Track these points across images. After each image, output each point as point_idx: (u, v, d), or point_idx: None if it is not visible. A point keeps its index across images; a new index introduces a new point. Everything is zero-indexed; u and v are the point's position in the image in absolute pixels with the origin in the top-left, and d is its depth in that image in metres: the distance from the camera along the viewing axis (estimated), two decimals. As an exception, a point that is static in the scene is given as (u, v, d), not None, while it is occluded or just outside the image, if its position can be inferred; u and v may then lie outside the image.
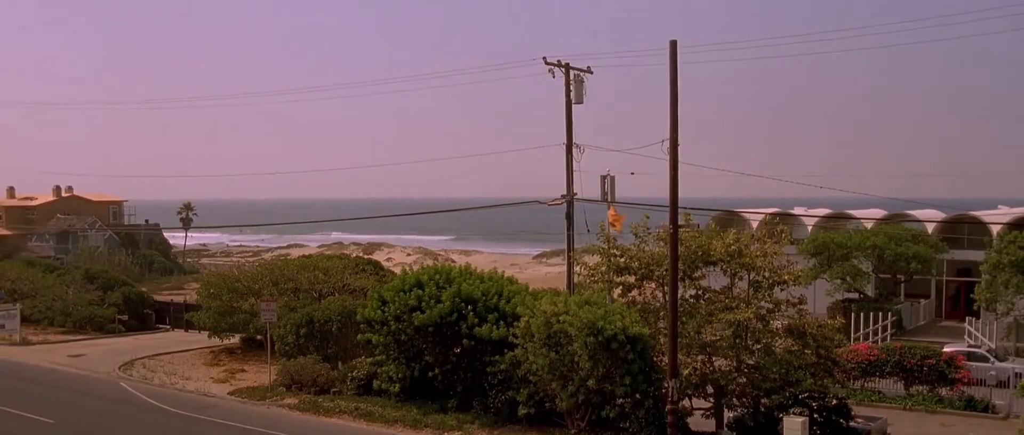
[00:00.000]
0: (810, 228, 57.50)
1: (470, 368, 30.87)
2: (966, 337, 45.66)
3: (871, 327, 47.02)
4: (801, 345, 27.34)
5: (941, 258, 54.03)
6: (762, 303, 27.38)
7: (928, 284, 56.44)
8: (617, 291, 29.51)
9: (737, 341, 27.21)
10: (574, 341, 26.45)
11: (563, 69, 40.21)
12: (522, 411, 28.52)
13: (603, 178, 40.30)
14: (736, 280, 28.20)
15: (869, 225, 55.94)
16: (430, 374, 31.61)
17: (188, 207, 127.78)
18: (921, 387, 35.53)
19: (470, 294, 30.42)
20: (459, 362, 31.07)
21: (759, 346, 27.47)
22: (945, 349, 37.98)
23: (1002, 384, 36.74)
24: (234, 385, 37.76)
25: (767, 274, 27.14)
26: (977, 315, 46.42)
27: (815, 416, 26.21)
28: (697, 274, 28.32)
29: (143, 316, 56.70)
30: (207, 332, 46.15)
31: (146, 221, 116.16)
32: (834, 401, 27.24)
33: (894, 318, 49.02)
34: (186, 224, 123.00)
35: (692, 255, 27.69)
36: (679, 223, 26.26)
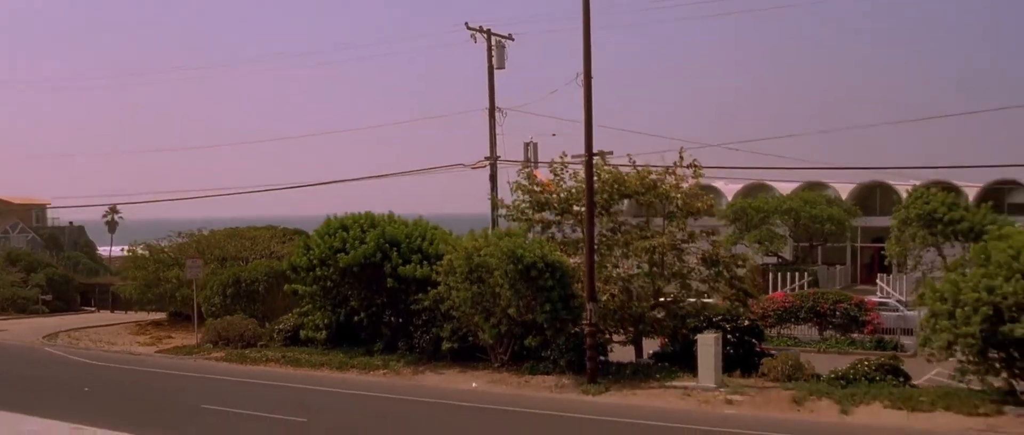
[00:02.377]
0: (730, 197, 59.03)
1: (395, 311, 31.42)
2: (878, 293, 47.29)
3: (788, 287, 48.47)
4: (714, 273, 28.41)
5: (855, 224, 55.87)
6: (677, 233, 28.39)
7: (844, 251, 58.29)
8: (537, 230, 30.29)
9: (653, 270, 28.19)
10: (495, 272, 27.14)
11: (485, 35, 41.15)
12: (446, 346, 29.12)
13: (527, 145, 41.29)
14: (651, 213, 29.19)
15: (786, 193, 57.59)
16: (356, 319, 32.06)
17: (113, 210, 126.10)
18: (834, 332, 36.89)
19: (394, 236, 31.00)
20: (384, 305, 31.59)
21: (676, 278, 28.47)
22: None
23: (909, 332, 38.31)
24: (161, 347, 37.82)
25: (680, 204, 28.15)
26: (888, 271, 48.11)
27: (729, 337, 27.19)
28: (614, 208, 29.23)
29: (68, 298, 56.16)
30: (134, 309, 45.97)
31: (70, 223, 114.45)
32: (747, 323, 28.28)
33: (811, 279, 50.53)
34: (112, 227, 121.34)
35: (608, 189, 28.61)
36: (594, 163, 27.22)
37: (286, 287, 33.92)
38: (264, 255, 43.72)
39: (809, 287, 49.90)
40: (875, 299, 41.29)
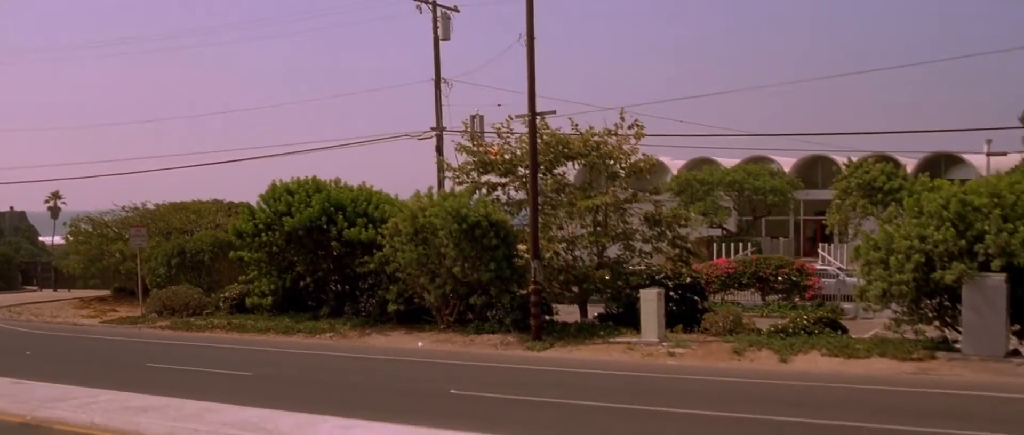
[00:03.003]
0: (675, 172, 59.63)
1: (341, 275, 31.47)
2: (820, 261, 48.13)
3: (733, 257, 49.13)
4: (657, 233, 28.81)
5: (798, 197, 56.71)
6: (620, 193, 28.73)
7: (787, 224, 59.18)
8: (483, 192, 30.49)
9: (597, 229, 28.51)
10: (439, 232, 27.29)
11: (430, 5, 41.20)
12: (392, 308, 29.22)
13: (473, 117, 41.44)
14: (595, 175, 29.50)
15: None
16: (302, 284, 32.08)
17: (56, 196, 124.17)
18: (776, 297, 37.51)
19: (339, 200, 31.03)
20: (331, 270, 31.63)
21: (619, 239, 28.84)
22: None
23: (849, 298, 39.09)
24: (105, 318, 37.50)
25: (624, 163, 28.48)
26: (829, 240, 48.96)
27: (671, 294, 27.60)
28: (558, 170, 29.50)
29: (8, 277, 55.35)
30: (77, 286, 45.48)
31: (11, 208, 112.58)
32: (689, 280, 28.71)
33: (755, 250, 51.29)
34: (54, 213, 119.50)
35: (552, 151, 28.87)
36: (538, 125, 27.45)
37: (231, 254, 33.83)
38: (210, 228, 43.51)
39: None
40: (816, 266, 42.05)
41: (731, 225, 54.97)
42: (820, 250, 49.11)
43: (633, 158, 29.03)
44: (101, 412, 16.14)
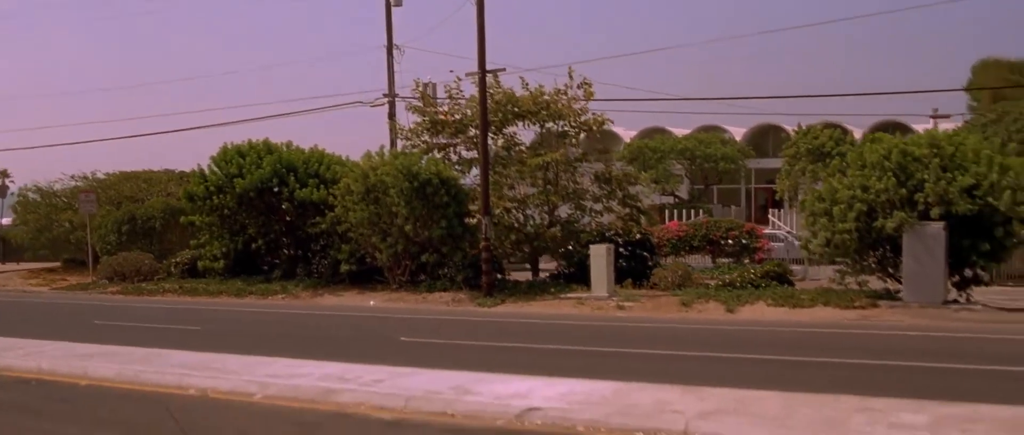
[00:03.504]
0: (627, 140, 60.04)
1: (293, 237, 31.46)
2: (770, 226, 48.70)
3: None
4: (607, 192, 29.08)
5: (750, 166, 57.36)
6: (570, 150, 28.97)
7: (738, 193, 59.82)
8: (435, 154, 30.58)
9: (548, 187, 28.73)
10: (391, 190, 27.36)
11: (381, -29, 41.08)
12: (344, 268, 29.28)
13: (425, 84, 41.40)
14: (546, 135, 29.71)
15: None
16: (254, 246, 32.03)
17: (3, 174, 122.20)
18: (727, 260, 37.96)
19: (291, 161, 31.00)
20: (283, 232, 31.62)
21: (570, 198, 29.08)
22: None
23: (799, 262, 39.68)
24: (55, 286, 37.20)
25: (573, 121, 28.70)
26: (780, 206, 49.56)
27: (621, 250, 27.90)
28: (508, 129, 29.66)
29: (-47, 251, 54.59)
30: (26, 258, 44.96)
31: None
32: (639, 236, 29.02)
33: (706, 217, 51.73)
34: (1, 192, 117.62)
35: (502, 109, 29.00)
36: (488, 83, 27.57)
37: (183, 219, 33.68)
38: (161, 196, 43.19)
39: (704, 222, 51.20)
40: (766, 230, 42.60)
41: (683, 193, 55.47)
42: (770, 215, 49.69)
43: (583, 118, 29.24)
44: (48, 359, 16.11)
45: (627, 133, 62.15)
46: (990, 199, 21.49)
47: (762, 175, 59.65)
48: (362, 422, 11.01)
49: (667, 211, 49.54)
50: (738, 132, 59.57)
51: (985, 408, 10.22)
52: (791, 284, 26.40)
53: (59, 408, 12.65)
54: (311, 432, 10.84)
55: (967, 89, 51.39)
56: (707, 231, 38.64)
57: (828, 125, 48.95)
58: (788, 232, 44.25)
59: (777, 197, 48.05)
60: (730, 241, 37.99)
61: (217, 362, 14.97)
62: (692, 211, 50.07)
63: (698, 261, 38.40)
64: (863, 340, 18.39)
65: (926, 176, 22.02)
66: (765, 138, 59.91)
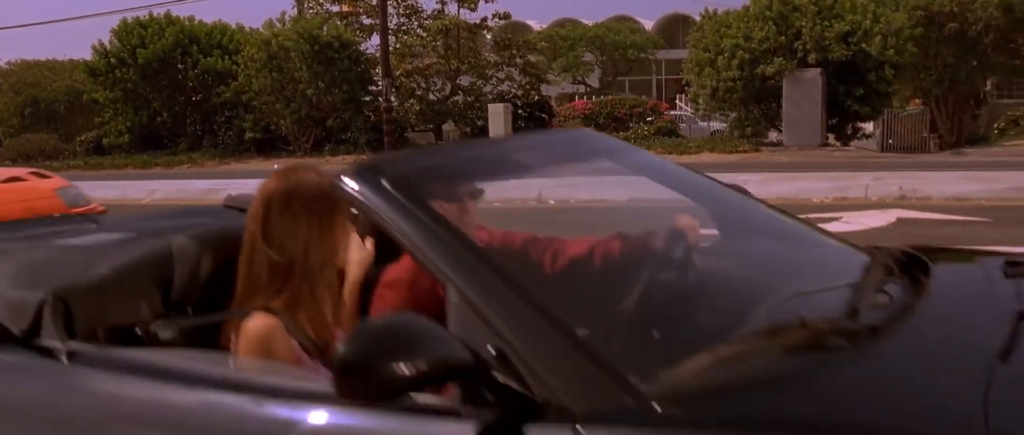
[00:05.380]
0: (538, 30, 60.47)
1: (198, 109, 31.56)
2: (676, 108, 49.87)
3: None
4: (508, 57, 29.70)
5: (660, 57, 58.24)
6: (469, 13, 29.50)
7: (650, 84, 60.76)
8: (337, 23, 30.82)
9: (448, 52, 29.25)
10: (292, 55, 27.62)
11: None
12: (249, 136, 29.59)
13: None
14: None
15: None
16: (159, 120, 32.07)
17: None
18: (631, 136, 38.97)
19: (194, 32, 31.00)
20: (187, 104, 31.69)
21: (472, 68, 29.64)
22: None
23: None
24: (-42, 170, 36.85)
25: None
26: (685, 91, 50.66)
27: (520, 111, 28.63)
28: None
29: None
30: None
31: None
32: (536, 98, 29.78)
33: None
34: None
35: (403, -24, 29.34)
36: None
37: (85, 96, 33.54)
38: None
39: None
40: (671, 112, 43.69)
41: (594, 82, 56.23)
42: (677, 99, 50.82)
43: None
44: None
45: (539, 25, 62.52)
46: (863, 45, 22.59)
47: (672, 67, 60.45)
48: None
49: (577, 99, 50.34)
50: (648, 24, 60.33)
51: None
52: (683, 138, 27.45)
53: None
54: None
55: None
56: (612, 109, 39.57)
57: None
58: (691, 113, 45.44)
59: (684, 83, 49.01)
60: (634, 117, 38.97)
61: (112, 185, 15.46)
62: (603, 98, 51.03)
63: (604, 139, 39.42)
64: (745, 168, 19.45)
65: (804, 24, 23.02)
66: (675, 28, 60.74)
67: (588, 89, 54.20)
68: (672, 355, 1.85)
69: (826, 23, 22.88)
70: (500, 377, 1.65)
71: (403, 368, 1.55)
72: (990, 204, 11.77)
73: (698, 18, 51.60)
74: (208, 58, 30.24)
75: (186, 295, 2.43)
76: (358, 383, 1.58)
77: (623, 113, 39.36)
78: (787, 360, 1.88)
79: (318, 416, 1.85)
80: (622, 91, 57.46)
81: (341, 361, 1.59)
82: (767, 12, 23.44)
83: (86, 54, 38.13)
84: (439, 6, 29.82)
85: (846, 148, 23.34)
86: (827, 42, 22.58)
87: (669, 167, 3.20)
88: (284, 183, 2.38)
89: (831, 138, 24.24)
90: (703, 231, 2.74)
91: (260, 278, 2.31)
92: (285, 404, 1.91)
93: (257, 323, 2.22)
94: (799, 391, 1.72)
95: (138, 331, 2.31)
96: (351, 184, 2.01)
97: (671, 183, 2.93)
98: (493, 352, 1.66)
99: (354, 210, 2.23)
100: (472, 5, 29.26)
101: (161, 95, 31.71)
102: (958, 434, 1.59)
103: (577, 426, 1.61)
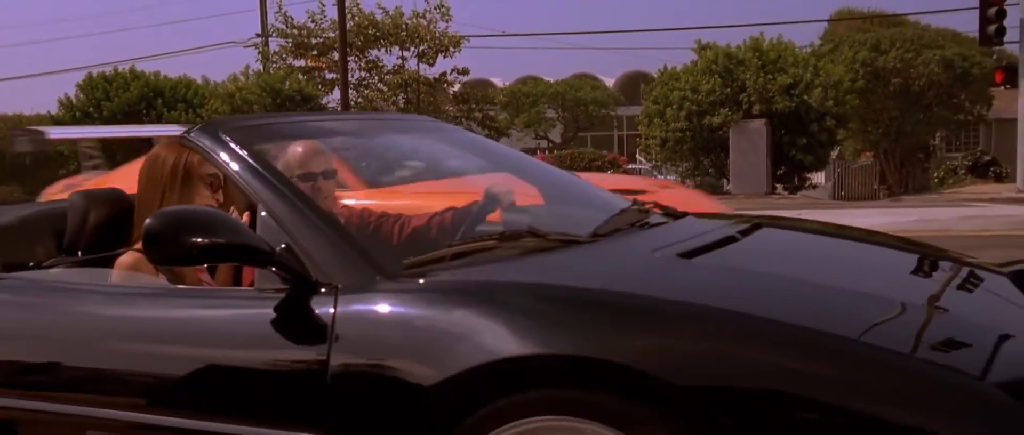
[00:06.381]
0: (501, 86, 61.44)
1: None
2: (635, 161, 50.78)
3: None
4: (466, 110, 30.45)
5: (621, 113, 59.29)
6: (429, 69, 30.26)
7: (611, 139, 61.76)
8: (300, 77, 31.42)
9: (408, 106, 29.92)
10: (255, 107, 28.17)
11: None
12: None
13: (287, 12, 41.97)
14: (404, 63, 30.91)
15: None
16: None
17: None
18: (590, 189, 39.75)
19: (159, 87, 31.53)
20: (150, 157, 32.10)
21: (429, 113, 30.28)
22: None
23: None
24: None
25: (432, 42, 29.91)
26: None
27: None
28: (371, 53, 30.73)
29: None
30: None
31: None
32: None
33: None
34: None
35: (363, 32, 30.02)
36: (350, 5, 28.56)
37: (50, 148, 33.81)
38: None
39: (577, 167, 53.05)
40: (632, 165, 44.63)
41: (556, 137, 57.15)
42: (638, 153, 51.76)
43: (441, 39, 30.42)
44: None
45: (503, 82, 63.51)
46: (805, 97, 23.48)
47: (633, 122, 61.51)
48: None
49: (538, 154, 51.18)
50: (610, 81, 61.49)
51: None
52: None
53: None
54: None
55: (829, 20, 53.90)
56: (572, 162, 40.38)
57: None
58: (651, 166, 46.32)
59: (642, 139, 49.98)
60: (593, 170, 39.74)
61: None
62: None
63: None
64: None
65: (748, 77, 23.90)
66: (636, 85, 61.89)
67: (550, 144, 55.06)
68: (424, 251, 2.43)
69: (769, 76, 23.78)
70: (288, 264, 2.21)
71: (200, 240, 2.10)
72: (894, 232, 12.48)
73: (656, 75, 53.03)
74: (173, 111, 30.74)
75: (76, 241, 2.97)
76: (159, 249, 2.14)
77: (583, 166, 40.22)
78: (510, 251, 2.45)
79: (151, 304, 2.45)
80: (584, 146, 58.39)
81: (147, 230, 2.14)
82: (713, 66, 24.33)
83: (52, 108, 38.70)
84: (400, 61, 30.56)
85: (792, 197, 24.07)
86: (771, 94, 23.44)
87: (500, 148, 3.85)
88: (168, 154, 2.94)
89: (779, 188, 25.00)
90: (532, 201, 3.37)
91: (140, 227, 2.86)
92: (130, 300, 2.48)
93: (127, 258, 2.76)
94: (516, 267, 2.30)
95: (31, 265, 2.86)
96: (199, 137, 2.58)
97: (498, 159, 3.57)
98: (283, 247, 2.22)
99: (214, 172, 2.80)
100: (430, 61, 30.00)
101: (123, 149, 32.08)
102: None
103: (338, 296, 2.19)
